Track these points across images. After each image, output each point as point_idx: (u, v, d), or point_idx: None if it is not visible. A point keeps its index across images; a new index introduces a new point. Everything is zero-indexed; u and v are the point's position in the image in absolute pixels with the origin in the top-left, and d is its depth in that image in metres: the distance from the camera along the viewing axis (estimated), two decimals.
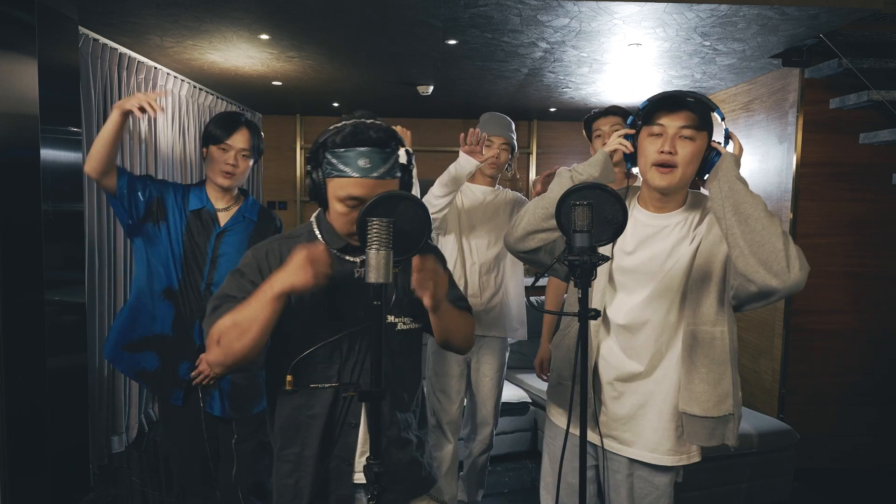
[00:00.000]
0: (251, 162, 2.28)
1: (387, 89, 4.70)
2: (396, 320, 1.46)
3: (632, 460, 1.73)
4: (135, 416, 3.76)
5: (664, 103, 1.55)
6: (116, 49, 3.50)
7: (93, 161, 2.07)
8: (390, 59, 3.82)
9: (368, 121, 1.36)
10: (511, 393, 3.80)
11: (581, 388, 1.45)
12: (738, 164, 1.53)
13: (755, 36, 3.11)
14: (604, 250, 1.40)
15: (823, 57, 3.39)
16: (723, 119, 1.56)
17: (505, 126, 2.75)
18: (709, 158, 1.56)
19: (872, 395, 3.61)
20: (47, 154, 2.75)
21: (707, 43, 3.26)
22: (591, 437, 1.70)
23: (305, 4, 2.81)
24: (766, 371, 3.75)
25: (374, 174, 1.33)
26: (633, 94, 4.66)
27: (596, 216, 1.35)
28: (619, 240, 1.53)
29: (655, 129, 1.56)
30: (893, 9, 3.10)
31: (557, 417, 1.83)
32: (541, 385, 3.69)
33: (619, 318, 1.68)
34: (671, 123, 1.54)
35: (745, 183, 1.50)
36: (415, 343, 1.53)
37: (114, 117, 2.03)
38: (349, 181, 1.33)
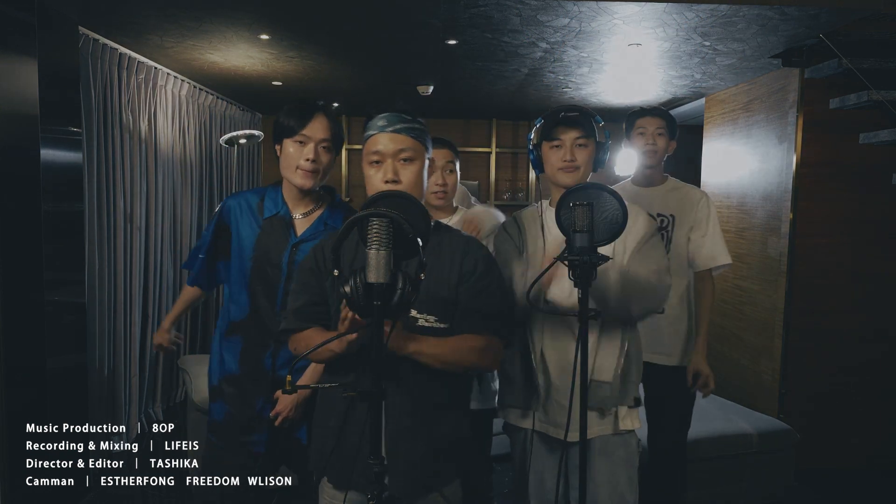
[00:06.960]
0: (333, 155, 1.90)
1: (387, 89, 4.71)
2: (419, 316, 1.47)
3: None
4: (135, 415, 3.76)
5: (560, 121, 1.84)
6: (116, 49, 3.50)
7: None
8: (390, 59, 3.82)
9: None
10: None
11: (581, 387, 1.46)
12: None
13: (755, 36, 3.11)
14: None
15: (823, 57, 3.39)
16: (600, 123, 1.88)
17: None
18: (598, 156, 1.89)
19: (872, 394, 3.60)
20: (47, 154, 2.74)
21: (707, 43, 3.26)
22: (555, 432, 1.82)
23: (305, 4, 2.81)
24: (766, 371, 3.75)
25: (390, 128, 1.48)
26: (634, 94, 4.67)
27: (596, 216, 1.42)
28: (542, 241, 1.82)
29: (556, 142, 1.85)
30: (893, 9, 3.09)
31: (519, 420, 1.92)
32: None
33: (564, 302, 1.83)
34: (567, 136, 1.83)
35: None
36: None
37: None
38: (370, 140, 1.51)
